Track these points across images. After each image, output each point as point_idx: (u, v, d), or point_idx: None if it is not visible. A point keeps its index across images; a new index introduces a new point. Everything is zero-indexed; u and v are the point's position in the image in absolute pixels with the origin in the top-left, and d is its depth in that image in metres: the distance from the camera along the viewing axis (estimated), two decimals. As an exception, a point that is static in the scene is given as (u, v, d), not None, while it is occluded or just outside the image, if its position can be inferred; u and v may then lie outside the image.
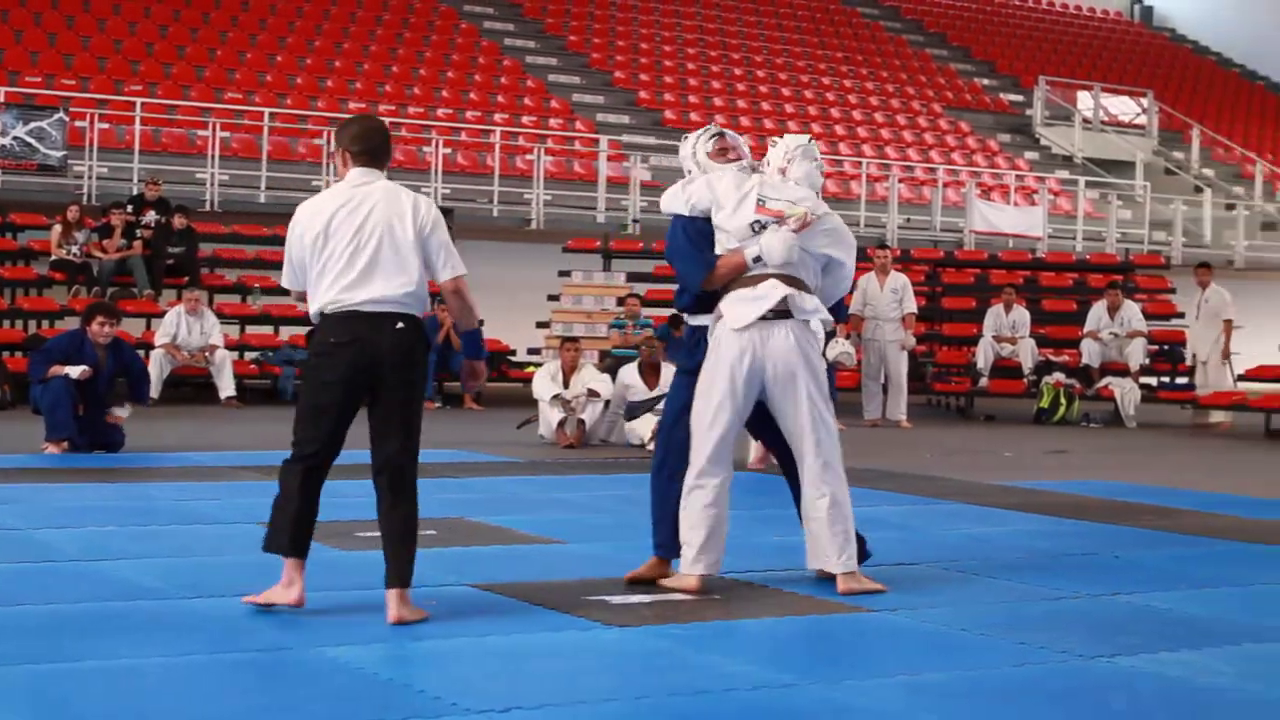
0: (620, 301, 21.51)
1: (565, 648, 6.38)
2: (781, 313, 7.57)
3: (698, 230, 7.84)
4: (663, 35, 37.09)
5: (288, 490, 6.97)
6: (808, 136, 8.18)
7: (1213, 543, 9.81)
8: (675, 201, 7.96)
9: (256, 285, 22.38)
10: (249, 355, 21.60)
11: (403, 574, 6.73)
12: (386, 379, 6.78)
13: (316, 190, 24.25)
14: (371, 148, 6.98)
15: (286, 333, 22.01)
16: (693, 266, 7.85)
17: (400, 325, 6.78)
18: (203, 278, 21.84)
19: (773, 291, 7.58)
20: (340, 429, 6.90)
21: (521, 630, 6.64)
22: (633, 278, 23.03)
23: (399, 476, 6.87)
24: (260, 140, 25.08)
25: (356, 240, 6.77)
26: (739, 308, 7.64)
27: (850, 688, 5.83)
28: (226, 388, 19.70)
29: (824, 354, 7.92)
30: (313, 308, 6.85)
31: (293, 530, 6.90)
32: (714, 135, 8.08)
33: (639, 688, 5.74)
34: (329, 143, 24.90)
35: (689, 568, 7.64)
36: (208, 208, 23.95)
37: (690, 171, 8.05)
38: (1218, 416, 21.07)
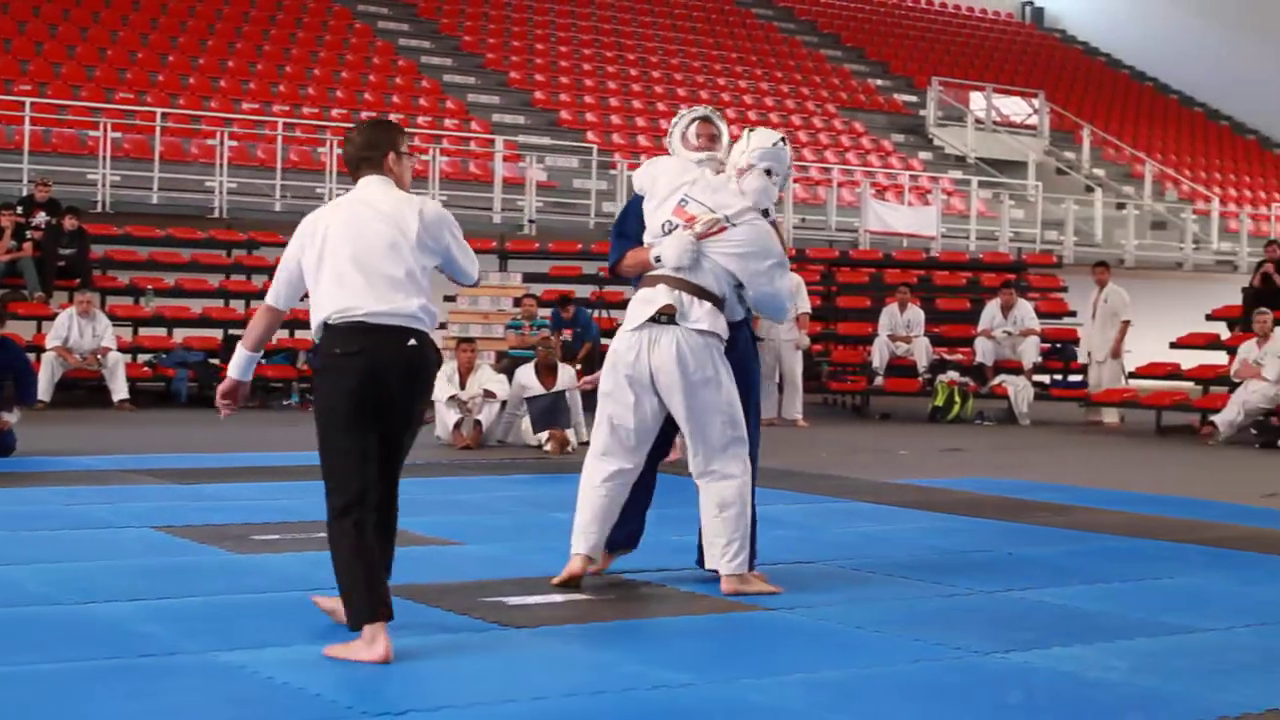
0: (517, 302, 21.45)
1: (462, 649, 6.36)
2: (671, 318, 7.56)
3: (639, 212, 7.94)
4: (558, 35, 37.06)
5: (344, 554, 6.23)
6: (778, 137, 7.89)
7: (1104, 539, 9.92)
8: (636, 176, 8.08)
9: (150, 287, 22.15)
10: (142, 358, 21.38)
11: None
12: (394, 399, 6.35)
13: (210, 191, 24.14)
14: (349, 157, 6.70)
15: (180, 335, 21.82)
16: (612, 248, 8.06)
17: (412, 342, 6.38)
18: (94, 279, 21.57)
19: (658, 296, 7.59)
20: (371, 460, 6.31)
21: (418, 632, 6.61)
22: (529, 278, 22.98)
23: (389, 517, 6.54)
24: (152, 141, 24.84)
25: (356, 250, 6.40)
26: (634, 308, 7.68)
27: (748, 686, 5.84)
28: (119, 391, 19.50)
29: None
30: (315, 318, 6.42)
31: (370, 594, 6.16)
32: (696, 119, 8.04)
33: (536, 689, 5.73)
34: (222, 143, 24.74)
35: (572, 549, 7.71)
36: (99, 209, 23.69)
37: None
38: (1109, 415, 21.27)
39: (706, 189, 7.69)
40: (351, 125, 6.84)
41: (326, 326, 6.40)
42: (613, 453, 7.71)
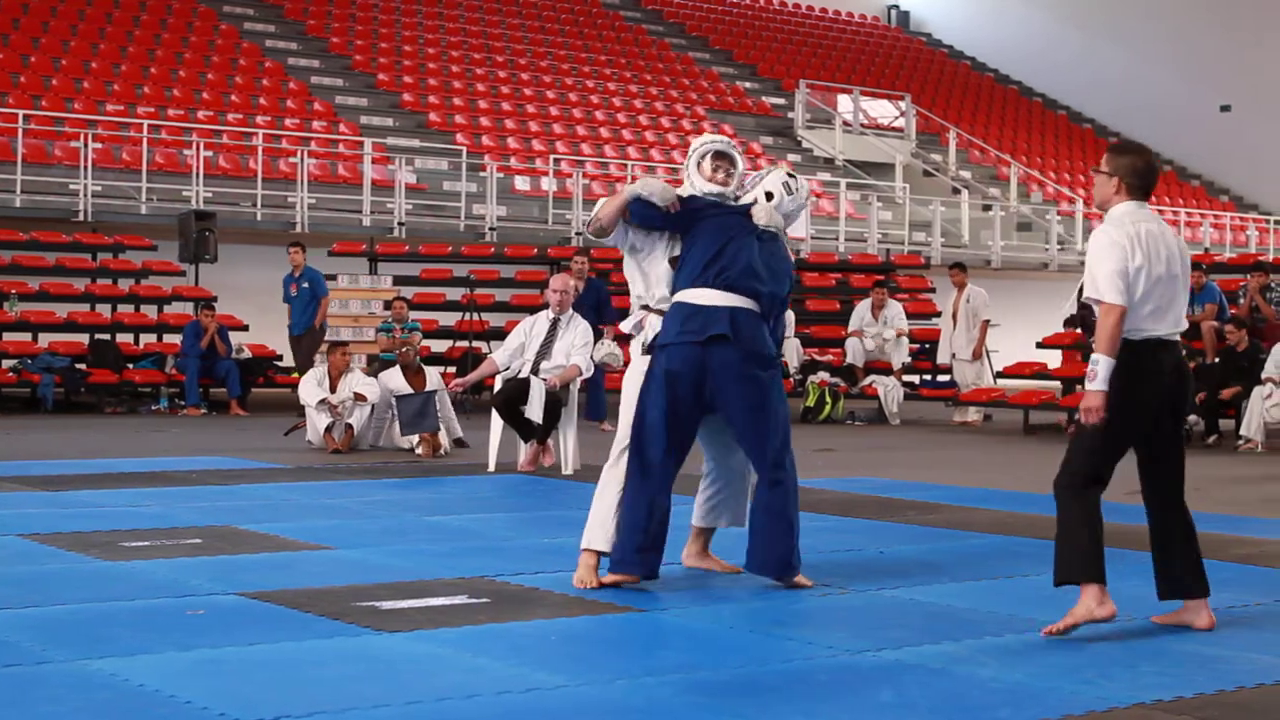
0: (387, 305, 21.37)
1: (335, 654, 6.33)
2: None
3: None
4: (426, 38, 36.92)
5: (1084, 517, 7.21)
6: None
7: (974, 537, 10.02)
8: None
9: (13, 291, 21.85)
10: (6, 363, 21.08)
11: None
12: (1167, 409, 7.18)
13: (74, 194, 23.80)
14: (1149, 184, 7.21)
15: (45, 340, 21.54)
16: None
17: (1182, 352, 7.26)
18: (-44, 284, 21.29)
19: None
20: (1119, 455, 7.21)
21: (290, 638, 6.58)
22: (399, 281, 22.89)
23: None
24: (15, 143, 24.49)
25: (1169, 273, 7.04)
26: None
27: (623, 687, 5.85)
28: (-18, 396, 19.25)
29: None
30: (1134, 331, 7.02)
31: (1095, 557, 7.13)
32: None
33: (410, 693, 5.70)
34: (86, 145, 24.42)
35: None
36: (-39, 213, 23.36)
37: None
38: (971, 414, 21.48)
39: None
40: (1123, 147, 7.42)
41: (1128, 341, 7.00)
42: None
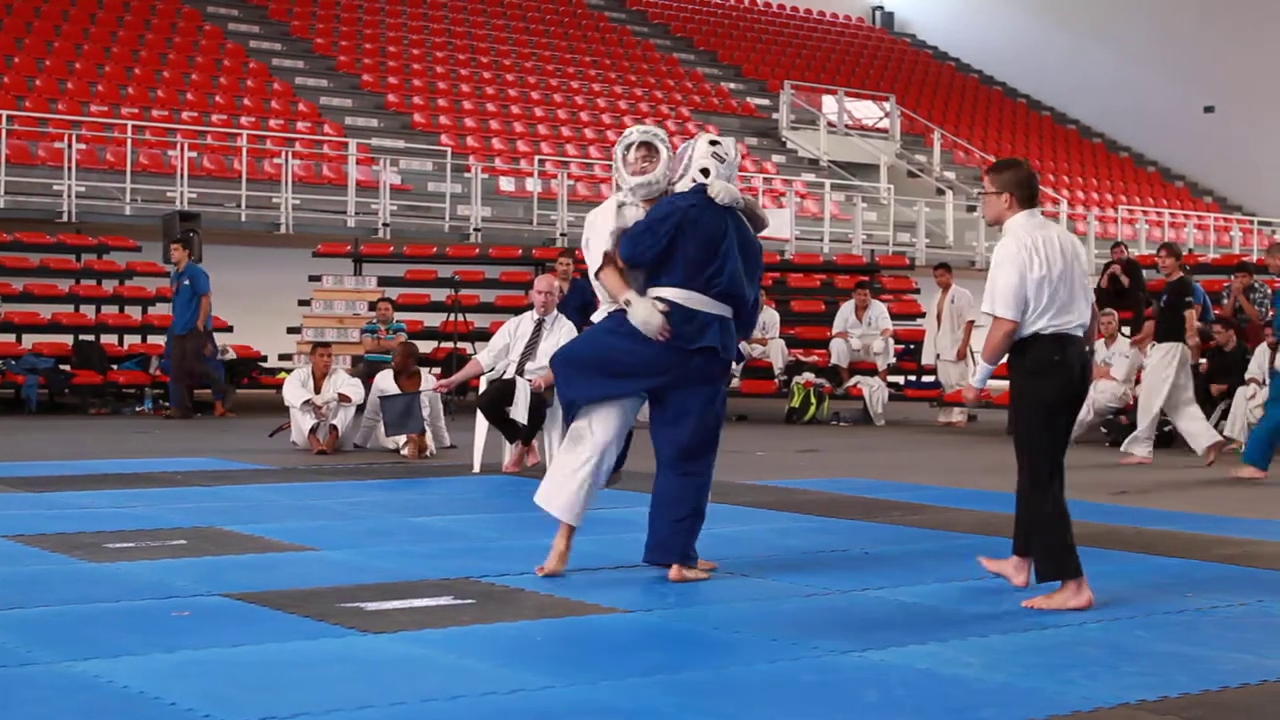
0: (372, 306, 21.36)
1: (320, 656, 6.32)
2: None
3: None
4: (411, 39, 36.90)
5: (1050, 516, 7.61)
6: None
7: (958, 537, 10.02)
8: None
9: (-3, 293, 21.84)
10: (-10, 364, 21.07)
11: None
12: (1080, 394, 7.73)
13: (58, 195, 23.76)
14: (1035, 189, 7.73)
15: (29, 340, 21.49)
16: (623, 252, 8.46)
17: (1087, 348, 7.79)
18: (-60, 285, 21.24)
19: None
20: (1065, 439, 7.72)
21: (275, 639, 6.57)
22: (384, 282, 22.88)
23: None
24: (-2, 144, 24.49)
25: (1065, 272, 7.55)
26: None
27: (608, 688, 5.85)
28: (-34, 398, 19.18)
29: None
30: (1028, 329, 7.57)
31: (1069, 552, 7.59)
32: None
33: (394, 694, 5.70)
34: (70, 146, 24.38)
35: None
36: (-56, 214, 23.31)
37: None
38: (955, 415, 21.49)
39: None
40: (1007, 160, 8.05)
41: (1038, 336, 7.57)
42: None
